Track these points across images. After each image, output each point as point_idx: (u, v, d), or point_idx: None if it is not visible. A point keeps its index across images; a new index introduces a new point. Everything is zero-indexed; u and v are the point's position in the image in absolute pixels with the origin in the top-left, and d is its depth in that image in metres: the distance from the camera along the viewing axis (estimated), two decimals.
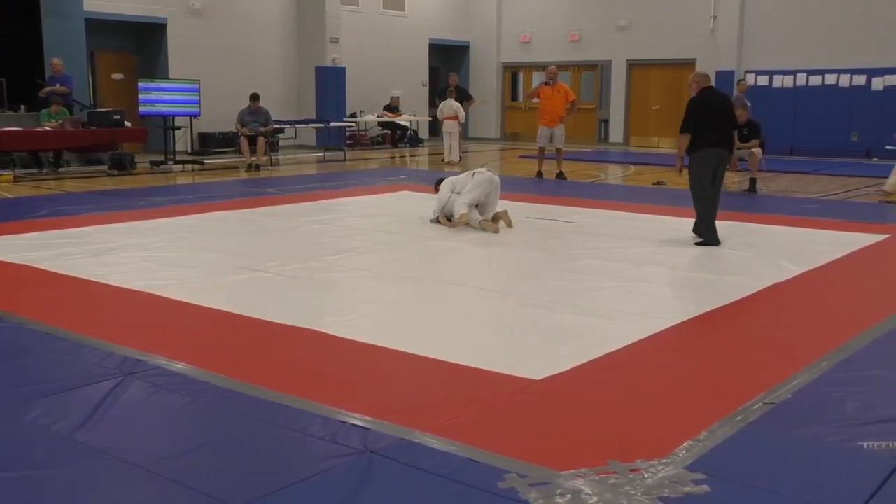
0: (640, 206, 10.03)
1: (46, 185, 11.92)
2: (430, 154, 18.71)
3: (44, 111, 13.34)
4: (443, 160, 16.30)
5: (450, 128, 16.08)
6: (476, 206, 8.20)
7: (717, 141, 7.58)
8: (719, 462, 3.07)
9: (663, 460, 3.07)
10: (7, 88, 13.88)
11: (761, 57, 18.61)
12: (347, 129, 19.12)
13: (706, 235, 7.60)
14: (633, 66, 21.03)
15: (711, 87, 7.87)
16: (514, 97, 23.54)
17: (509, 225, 8.20)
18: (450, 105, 15.98)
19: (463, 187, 8.30)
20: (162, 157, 14.70)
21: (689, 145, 7.59)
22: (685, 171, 7.80)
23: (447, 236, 7.91)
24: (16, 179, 12.20)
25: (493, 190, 8.31)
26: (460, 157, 16.24)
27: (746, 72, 18.56)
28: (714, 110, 7.59)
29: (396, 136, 20.65)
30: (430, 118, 21.54)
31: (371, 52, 20.34)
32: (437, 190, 8.66)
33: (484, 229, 8.02)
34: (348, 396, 3.71)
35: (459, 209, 8.13)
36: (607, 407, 3.68)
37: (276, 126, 15.66)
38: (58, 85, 13.65)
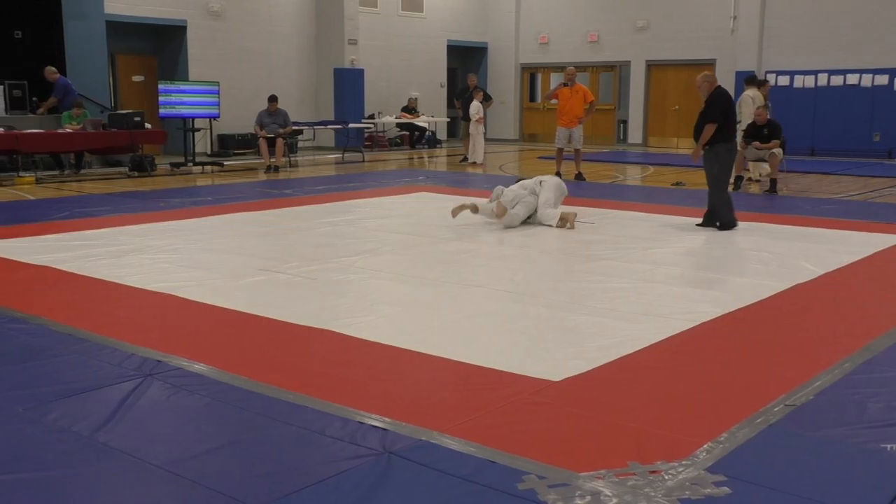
0: (658, 206, 9.99)
1: (67, 186, 12.03)
2: (448, 155, 18.71)
3: (65, 113, 13.45)
4: (464, 160, 16.31)
5: (476, 129, 16.14)
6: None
7: (735, 133, 8.42)
8: (740, 464, 3.05)
9: (683, 462, 3.05)
10: (29, 91, 14.00)
11: (782, 57, 18.48)
12: (366, 130, 19.17)
13: (727, 219, 8.22)
14: (651, 66, 20.94)
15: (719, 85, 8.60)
16: (532, 98, 23.51)
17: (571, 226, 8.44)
18: (477, 106, 16.06)
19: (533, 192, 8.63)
20: (181, 159, 14.82)
21: (715, 136, 8.15)
22: (703, 160, 8.38)
23: (464, 237, 7.91)
24: (37, 181, 12.32)
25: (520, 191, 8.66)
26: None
27: (767, 72, 18.43)
28: (732, 106, 8.48)
29: (414, 137, 20.67)
30: (449, 119, 21.54)
31: (389, 53, 20.39)
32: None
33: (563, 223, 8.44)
34: (367, 397, 3.72)
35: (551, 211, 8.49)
36: (627, 408, 3.66)
37: (294, 128, 15.71)
38: (51, 98, 13.76)
